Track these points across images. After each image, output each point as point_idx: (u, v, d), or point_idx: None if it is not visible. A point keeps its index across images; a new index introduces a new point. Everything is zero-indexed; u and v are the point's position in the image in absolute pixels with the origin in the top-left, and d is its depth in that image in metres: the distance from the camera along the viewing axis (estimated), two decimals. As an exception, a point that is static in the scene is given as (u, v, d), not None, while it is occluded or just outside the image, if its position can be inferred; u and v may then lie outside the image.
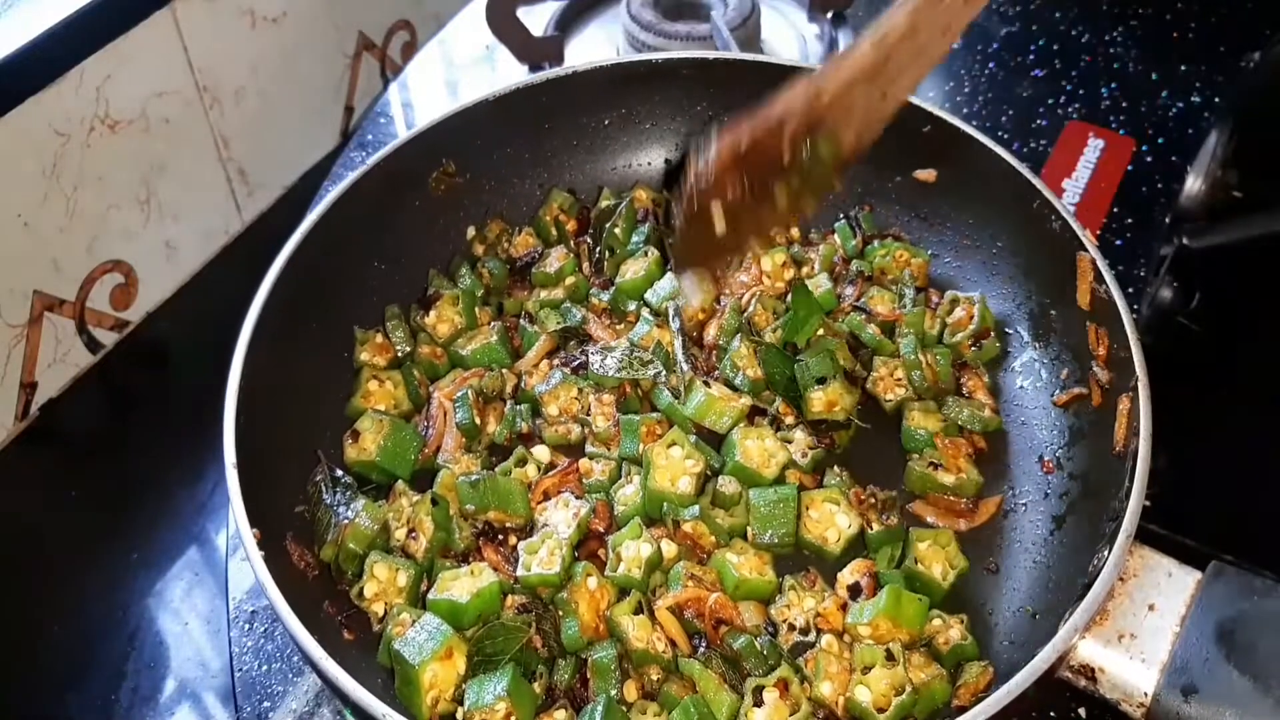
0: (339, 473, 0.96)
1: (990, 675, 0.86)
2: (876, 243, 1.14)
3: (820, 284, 1.10)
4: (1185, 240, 1.27)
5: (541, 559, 0.91)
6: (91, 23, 1.19)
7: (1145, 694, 0.77)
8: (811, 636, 0.90)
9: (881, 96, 0.89)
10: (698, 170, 0.88)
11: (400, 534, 0.94)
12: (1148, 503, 1.05)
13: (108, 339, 1.31)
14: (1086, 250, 0.97)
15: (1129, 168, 1.33)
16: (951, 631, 0.88)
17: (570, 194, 1.20)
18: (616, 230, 1.15)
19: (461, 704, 0.84)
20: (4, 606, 1.10)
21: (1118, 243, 1.25)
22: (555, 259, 1.14)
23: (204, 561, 1.14)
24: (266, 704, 0.95)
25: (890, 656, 0.85)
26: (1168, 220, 1.28)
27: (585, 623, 0.88)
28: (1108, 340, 0.94)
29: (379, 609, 0.91)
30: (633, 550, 0.91)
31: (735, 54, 1.23)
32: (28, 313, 1.21)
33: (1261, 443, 1.12)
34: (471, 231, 1.18)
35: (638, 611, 0.89)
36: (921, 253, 1.13)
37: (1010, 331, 1.08)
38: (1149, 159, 1.34)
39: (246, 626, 0.99)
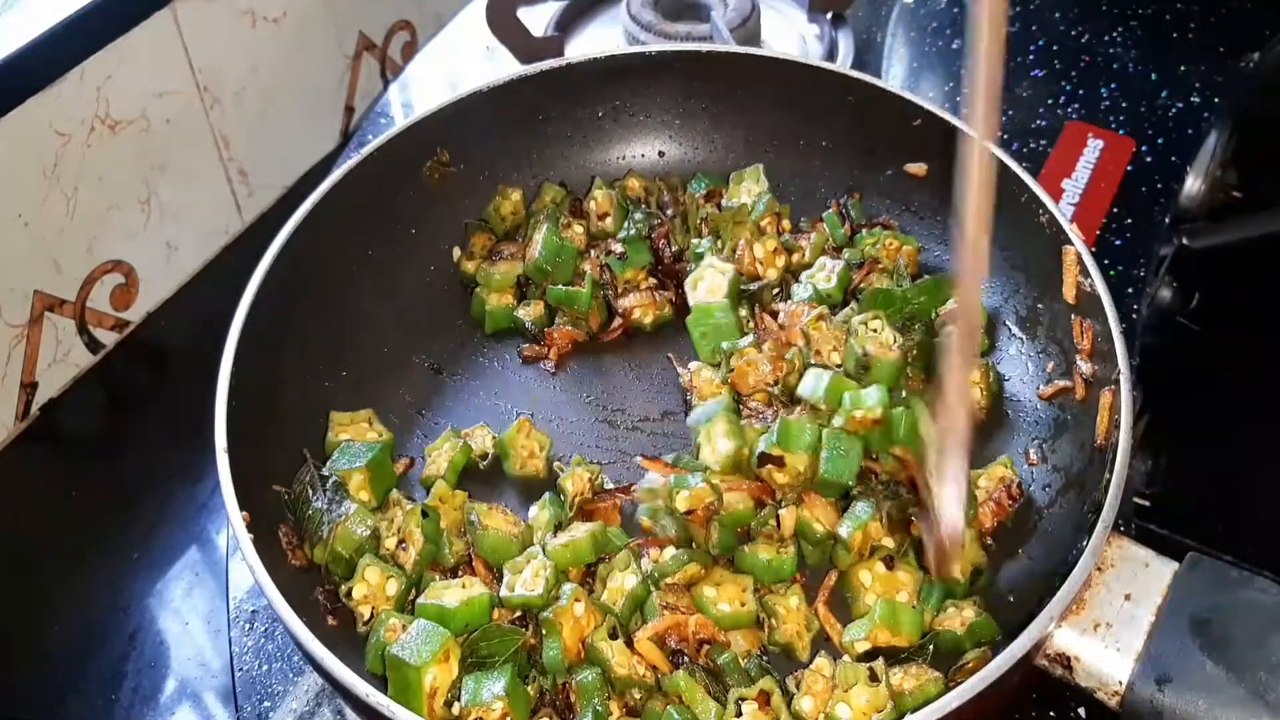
0: (326, 472, 0.96)
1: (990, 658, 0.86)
2: (865, 231, 1.14)
3: (827, 267, 1.10)
4: (1185, 240, 1.27)
5: (525, 580, 0.91)
6: (91, 23, 1.19)
7: (1120, 683, 0.78)
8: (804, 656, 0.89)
9: None
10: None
11: (390, 543, 0.93)
12: (1147, 503, 1.06)
13: (108, 339, 1.31)
14: (1072, 244, 0.97)
15: (1129, 168, 1.33)
16: (966, 613, 0.88)
17: (562, 186, 1.20)
18: (608, 220, 1.15)
19: (450, 706, 0.83)
20: (4, 606, 1.10)
21: (1118, 243, 1.25)
22: None
23: (204, 561, 1.14)
24: (267, 704, 0.95)
25: (873, 677, 0.84)
26: (1168, 220, 1.28)
27: (567, 645, 0.87)
28: (1092, 334, 0.95)
29: (366, 611, 0.90)
30: (618, 581, 0.91)
31: (727, 46, 1.23)
32: (28, 313, 1.21)
33: (1262, 443, 1.12)
34: (457, 253, 1.18)
35: (614, 636, 0.87)
36: (911, 240, 1.13)
37: (998, 324, 1.08)
38: (1149, 159, 1.34)
39: (247, 626, 0.99)
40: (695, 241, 1.15)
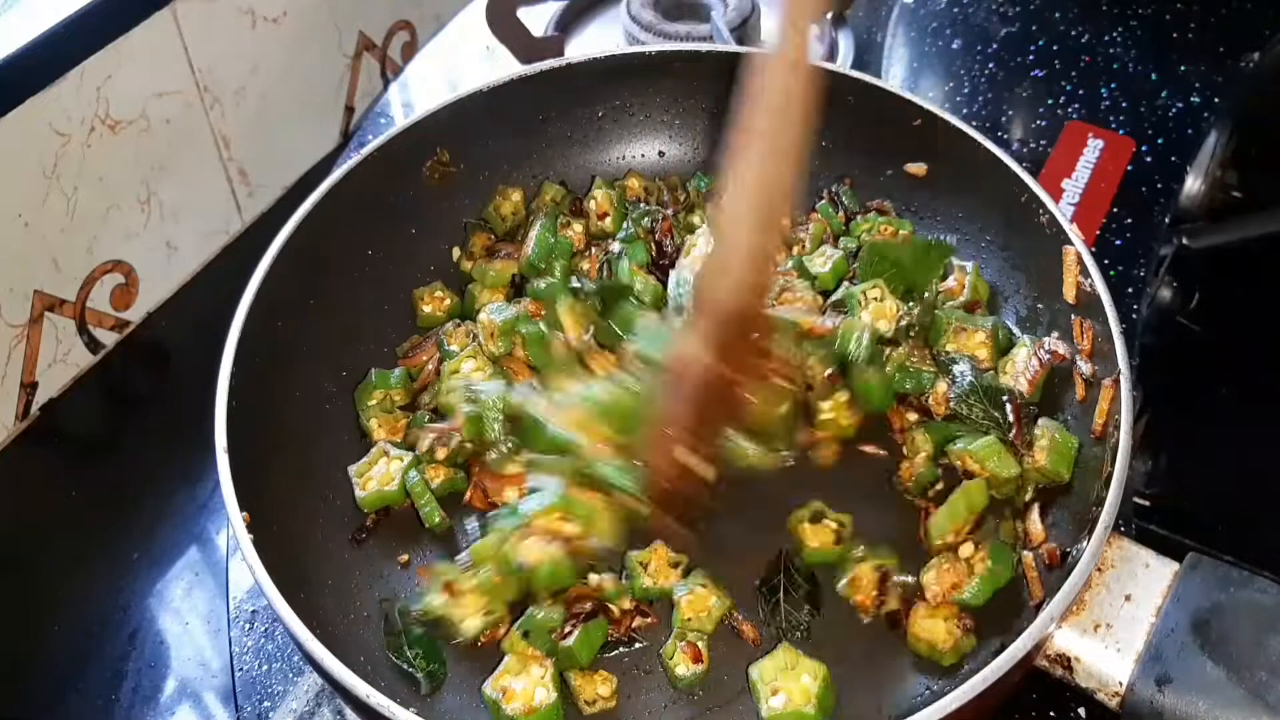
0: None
1: None
2: (860, 218, 1.15)
3: (826, 253, 1.10)
4: (1185, 240, 1.27)
5: None
6: (91, 23, 1.19)
7: (1120, 683, 0.78)
8: None
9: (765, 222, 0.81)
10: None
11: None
12: (1147, 503, 1.06)
13: (108, 339, 1.31)
14: (1072, 244, 0.97)
15: (1129, 168, 1.33)
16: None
17: (562, 185, 1.20)
18: (607, 220, 1.16)
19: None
20: (4, 606, 1.10)
21: (1118, 243, 1.25)
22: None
23: (204, 561, 1.14)
24: (267, 704, 0.95)
25: None
26: (1168, 220, 1.28)
27: None
28: (1092, 334, 0.95)
29: None
30: None
31: (726, 47, 1.23)
32: (28, 313, 1.21)
33: (1262, 443, 1.12)
34: (457, 253, 1.18)
35: None
36: (905, 224, 1.13)
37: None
38: (1149, 159, 1.34)
39: (247, 626, 0.99)
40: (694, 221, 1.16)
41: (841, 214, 1.15)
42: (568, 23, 1.50)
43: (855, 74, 1.15)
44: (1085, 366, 0.95)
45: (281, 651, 0.97)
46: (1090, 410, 0.93)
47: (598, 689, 0.87)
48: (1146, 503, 1.06)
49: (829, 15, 1.47)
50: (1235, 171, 1.36)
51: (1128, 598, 0.80)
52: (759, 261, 0.83)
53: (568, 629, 0.88)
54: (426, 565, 0.94)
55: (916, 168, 1.14)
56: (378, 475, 0.99)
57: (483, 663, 0.89)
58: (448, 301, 1.13)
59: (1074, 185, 1.31)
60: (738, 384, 0.85)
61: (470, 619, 0.89)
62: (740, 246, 0.82)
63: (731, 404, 0.86)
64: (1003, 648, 0.77)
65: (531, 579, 0.88)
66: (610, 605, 0.90)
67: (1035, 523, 0.91)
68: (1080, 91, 1.42)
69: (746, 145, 0.80)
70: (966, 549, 0.91)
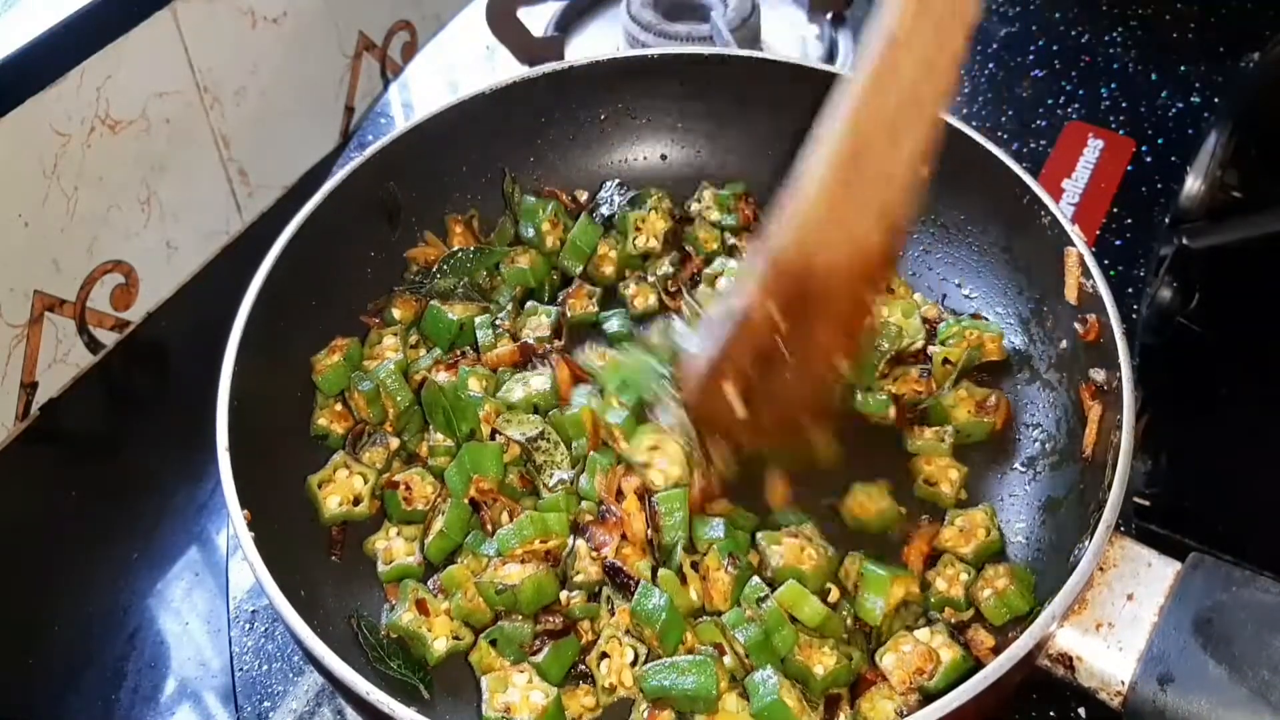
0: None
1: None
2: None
3: None
4: (1185, 240, 1.27)
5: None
6: (91, 23, 1.19)
7: (1122, 683, 0.78)
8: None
9: (886, 178, 0.75)
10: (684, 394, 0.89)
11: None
12: (1147, 503, 1.06)
13: (108, 339, 1.31)
14: (1074, 245, 0.97)
15: (1129, 168, 1.33)
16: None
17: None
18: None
19: None
20: (4, 606, 1.10)
21: (1117, 243, 1.25)
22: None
23: (204, 561, 1.14)
24: (267, 704, 0.95)
25: None
26: (1168, 220, 1.28)
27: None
28: (1098, 328, 0.95)
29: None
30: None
31: (729, 50, 1.23)
32: (28, 313, 1.21)
33: (1261, 442, 1.12)
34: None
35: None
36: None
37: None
38: (1149, 159, 1.34)
39: (247, 626, 0.99)
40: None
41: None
42: (568, 23, 1.50)
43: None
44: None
45: (281, 651, 0.97)
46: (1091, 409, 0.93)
47: (581, 701, 0.87)
48: (1147, 503, 1.06)
49: (828, 15, 1.47)
50: (1235, 171, 1.36)
51: (1130, 597, 0.80)
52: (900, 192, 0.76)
53: (536, 644, 0.87)
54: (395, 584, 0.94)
55: (918, 170, 1.14)
56: (339, 489, 0.98)
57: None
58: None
59: (1074, 185, 1.31)
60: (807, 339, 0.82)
61: (440, 639, 0.89)
62: (875, 176, 0.75)
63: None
64: (1003, 647, 0.77)
65: (517, 597, 0.88)
66: (577, 626, 0.90)
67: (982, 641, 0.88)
68: (1080, 91, 1.42)
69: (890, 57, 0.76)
70: (934, 637, 0.87)
